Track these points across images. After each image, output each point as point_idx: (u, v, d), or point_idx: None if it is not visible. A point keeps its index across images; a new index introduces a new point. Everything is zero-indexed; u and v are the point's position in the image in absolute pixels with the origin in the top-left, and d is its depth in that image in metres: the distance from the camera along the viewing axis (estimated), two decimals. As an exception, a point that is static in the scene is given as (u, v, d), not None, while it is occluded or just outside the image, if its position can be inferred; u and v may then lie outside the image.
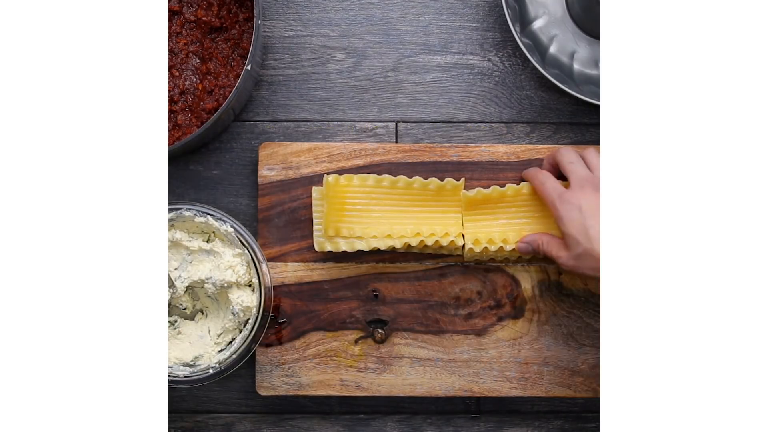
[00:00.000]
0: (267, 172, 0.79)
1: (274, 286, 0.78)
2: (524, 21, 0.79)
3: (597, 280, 0.69)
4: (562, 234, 0.71)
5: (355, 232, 0.76)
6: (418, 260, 0.79)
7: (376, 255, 0.78)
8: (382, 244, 0.76)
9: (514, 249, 0.76)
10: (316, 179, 0.78)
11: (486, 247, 0.76)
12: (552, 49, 0.80)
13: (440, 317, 0.78)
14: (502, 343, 0.78)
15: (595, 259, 0.68)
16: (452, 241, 0.76)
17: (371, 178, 0.76)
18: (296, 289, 0.79)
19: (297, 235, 0.79)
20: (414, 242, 0.75)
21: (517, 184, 0.77)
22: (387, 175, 0.77)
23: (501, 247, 0.75)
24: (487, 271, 0.78)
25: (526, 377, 0.78)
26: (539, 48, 0.79)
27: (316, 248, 0.78)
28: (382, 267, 0.78)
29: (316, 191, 0.78)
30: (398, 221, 0.77)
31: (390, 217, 0.77)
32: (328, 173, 0.78)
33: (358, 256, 0.78)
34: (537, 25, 0.80)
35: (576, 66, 0.80)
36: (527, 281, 0.78)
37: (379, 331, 0.78)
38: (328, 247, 0.77)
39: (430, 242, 0.75)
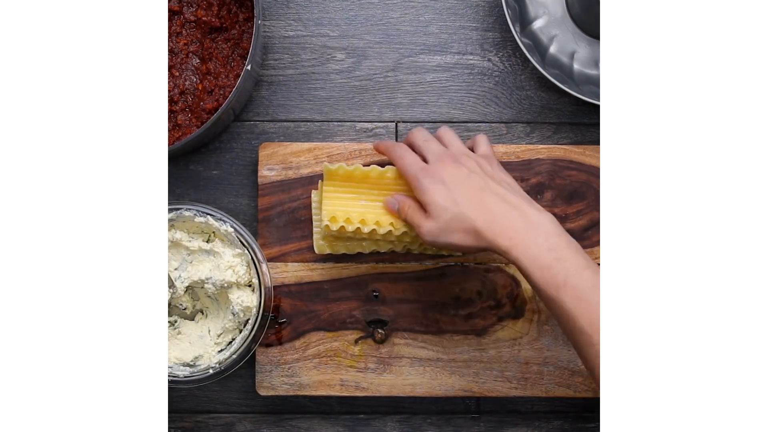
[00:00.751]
0: (267, 172, 0.78)
1: (274, 286, 0.78)
2: (524, 21, 0.79)
3: (467, 245, 0.68)
4: (425, 204, 0.69)
5: (354, 218, 0.73)
6: (417, 260, 0.78)
7: (376, 255, 0.78)
8: (382, 240, 0.75)
9: (374, 231, 0.73)
10: (316, 179, 0.78)
11: (343, 226, 0.72)
12: (552, 49, 0.80)
13: (440, 317, 0.78)
14: (502, 343, 0.78)
15: (465, 220, 0.67)
16: None
17: (374, 170, 0.74)
18: (296, 289, 0.79)
19: (297, 235, 0.79)
20: (412, 233, 0.73)
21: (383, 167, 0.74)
22: (389, 167, 0.74)
23: (358, 228, 0.72)
24: (487, 272, 0.78)
25: (526, 377, 0.78)
26: (539, 48, 0.79)
27: (316, 251, 0.77)
28: (382, 267, 0.78)
29: (314, 194, 0.78)
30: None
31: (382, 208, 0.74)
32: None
33: (358, 256, 0.78)
34: (537, 25, 0.80)
35: (576, 66, 0.80)
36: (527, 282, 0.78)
37: (379, 331, 0.78)
38: (328, 250, 0.77)
39: (412, 232, 0.72)
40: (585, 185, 0.78)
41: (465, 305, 0.78)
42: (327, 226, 0.73)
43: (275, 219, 0.79)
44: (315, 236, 0.78)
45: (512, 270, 0.78)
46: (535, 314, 0.78)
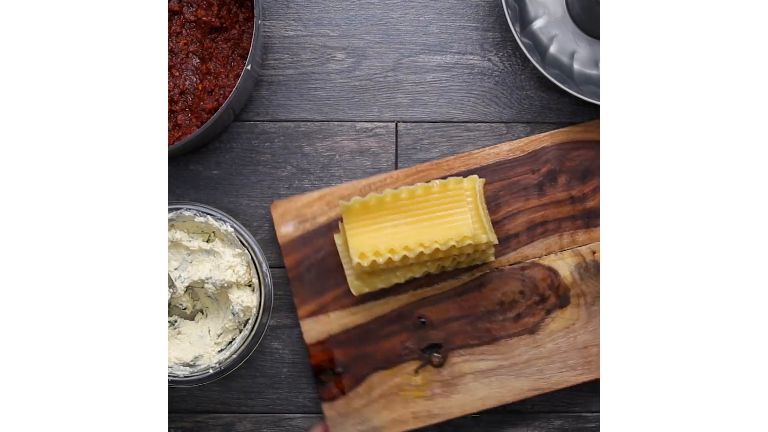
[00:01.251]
0: (285, 230, 0.78)
1: (321, 340, 0.77)
2: (524, 21, 0.79)
3: None
4: None
5: (382, 249, 0.72)
6: (454, 277, 0.78)
7: (413, 283, 0.77)
8: (415, 264, 0.73)
9: (405, 256, 0.72)
10: (334, 225, 0.78)
11: (374, 260, 0.72)
12: (552, 49, 0.80)
13: (490, 326, 0.78)
14: (556, 334, 0.78)
15: None
16: (464, 237, 0.72)
17: (388, 194, 0.73)
18: (344, 337, 0.78)
19: (331, 284, 0.78)
20: (444, 247, 0.72)
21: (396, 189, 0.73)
22: (403, 187, 0.73)
23: (389, 258, 0.72)
24: (524, 269, 0.78)
25: (589, 361, 0.78)
26: (539, 48, 0.79)
27: (354, 292, 0.75)
28: (421, 293, 0.78)
29: (337, 237, 0.76)
30: (417, 232, 0.73)
31: (409, 229, 0.73)
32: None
33: (395, 288, 0.77)
34: (537, 25, 0.80)
35: (576, 66, 0.80)
36: (564, 268, 0.78)
37: (436, 355, 0.78)
38: (366, 289, 0.75)
39: (443, 246, 0.72)
40: (595, 162, 0.78)
41: (511, 307, 0.78)
42: (358, 263, 0.72)
43: (305, 274, 0.78)
44: (349, 278, 0.76)
45: (547, 261, 0.78)
46: (580, 298, 0.78)
